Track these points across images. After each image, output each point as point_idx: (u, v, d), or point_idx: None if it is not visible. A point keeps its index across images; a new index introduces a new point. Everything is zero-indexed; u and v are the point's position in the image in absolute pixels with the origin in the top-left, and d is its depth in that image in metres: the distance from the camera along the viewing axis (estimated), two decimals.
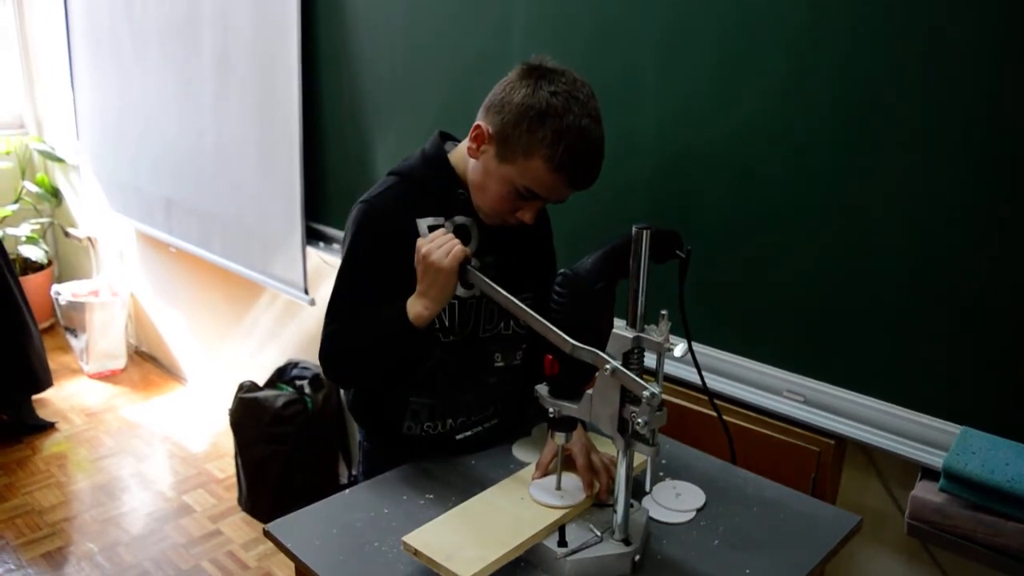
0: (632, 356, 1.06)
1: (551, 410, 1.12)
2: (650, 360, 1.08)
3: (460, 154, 1.30)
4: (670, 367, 1.62)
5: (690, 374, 1.61)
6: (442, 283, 1.18)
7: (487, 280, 1.17)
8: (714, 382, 1.56)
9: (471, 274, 1.18)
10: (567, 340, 1.05)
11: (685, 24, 1.50)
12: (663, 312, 1.04)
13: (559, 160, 1.17)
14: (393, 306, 1.22)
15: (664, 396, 1.03)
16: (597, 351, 1.04)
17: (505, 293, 1.14)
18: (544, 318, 1.08)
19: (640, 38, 1.56)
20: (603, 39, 1.62)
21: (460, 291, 1.30)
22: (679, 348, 1.02)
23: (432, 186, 1.30)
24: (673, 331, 1.07)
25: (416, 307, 1.20)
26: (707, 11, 1.46)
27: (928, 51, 1.23)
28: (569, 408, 1.11)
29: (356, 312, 1.27)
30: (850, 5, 1.30)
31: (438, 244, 1.18)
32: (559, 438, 1.15)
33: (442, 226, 1.29)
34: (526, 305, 1.12)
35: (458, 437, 1.39)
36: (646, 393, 1.00)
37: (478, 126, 1.23)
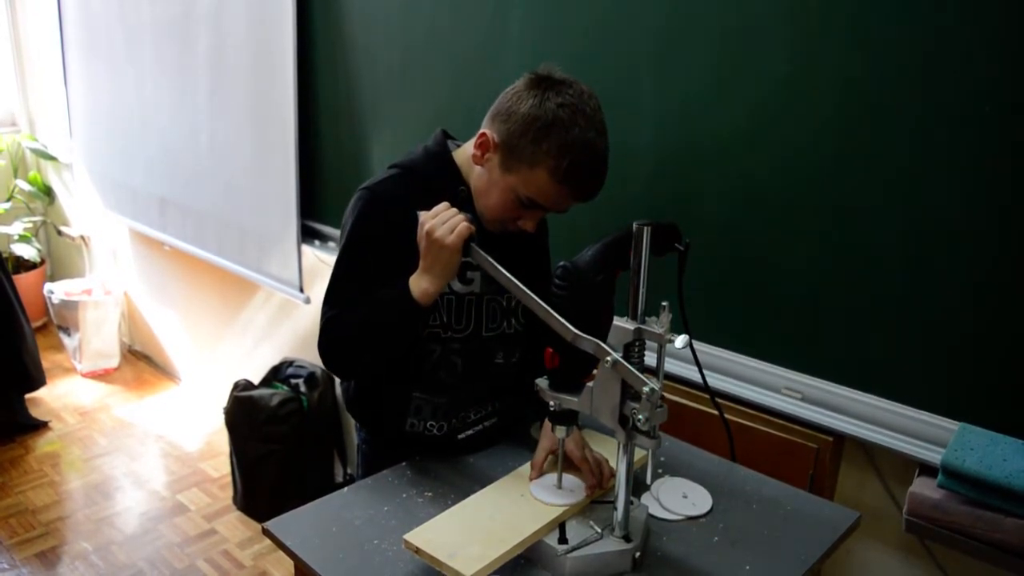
0: (633, 348, 1.06)
1: (551, 403, 1.12)
2: (651, 359, 1.08)
3: (464, 154, 1.29)
4: (669, 365, 1.62)
5: (689, 372, 1.61)
6: (445, 260, 1.16)
7: (490, 259, 1.14)
8: (712, 379, 1.56)
9: (475, 252, 1.15)
10: (569, 328, 1.04)
11: (683, 21, 1.50)
12: (664, 304, 1.04)
13: (563, 172, 1.17)
14: (393, 288, 1.20)
15: (663, 394, 1.03)
16: (599, 342, 1.03)
17: (507, 274, 1.12)
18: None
19: (637, 35, 1.56)
20: (601, 35, 1.62)
21: (457, 286, 1.30)
22: (680, 339, 1.02)
23: (434, 182, 1.28)
24: (673, 326, 1.07)
25: (421, 284, 1.18)
26: (705, 8, 1.46)
27: (928, 52, 1.23)
28: (569, 401, 1.10)
29: (355, 298, 1.25)
30: (850, 6, 1.30)
31: (442, 220, 1.15)
32: (560, 431, 1.15)
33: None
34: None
35: (460, 436, 1.38)
36: (646, 389, 0.99)
37: (483, 134, 1.22)
